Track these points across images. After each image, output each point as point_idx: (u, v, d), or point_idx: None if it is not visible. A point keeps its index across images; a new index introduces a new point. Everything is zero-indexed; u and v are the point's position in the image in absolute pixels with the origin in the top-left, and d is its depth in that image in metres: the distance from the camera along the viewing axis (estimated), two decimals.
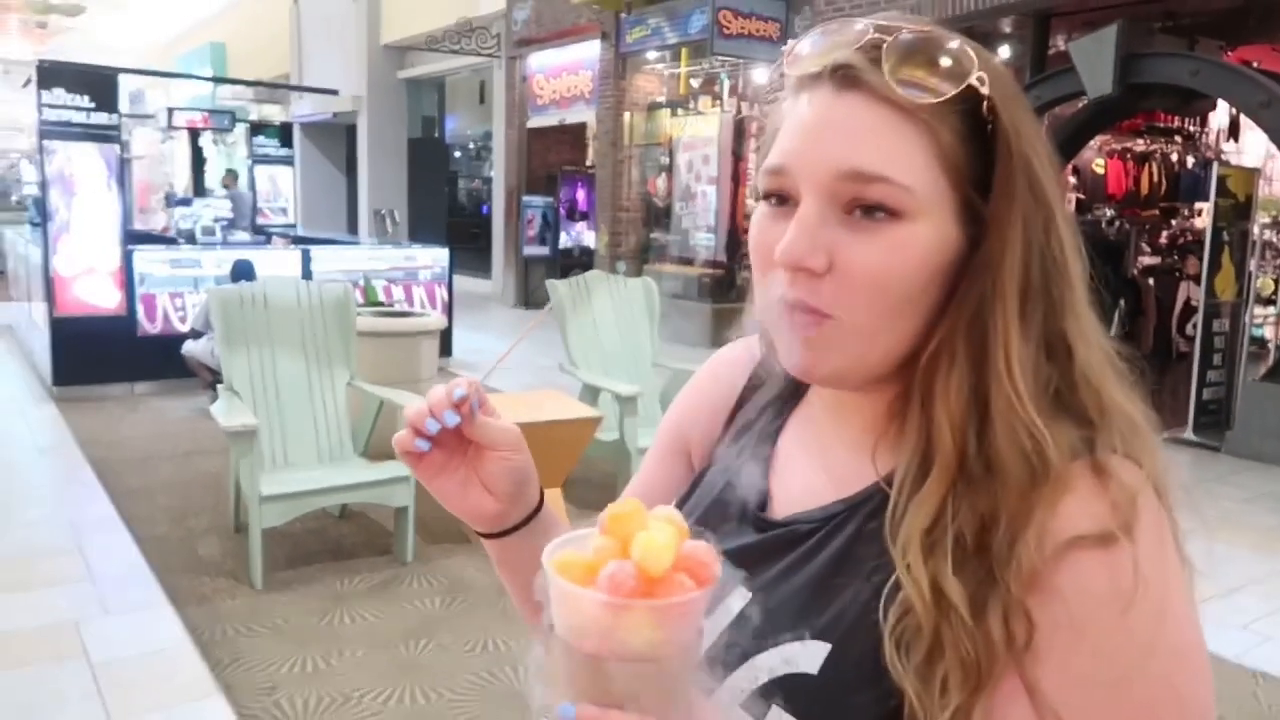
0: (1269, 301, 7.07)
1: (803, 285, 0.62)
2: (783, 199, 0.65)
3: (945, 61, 0.61)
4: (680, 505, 0.79)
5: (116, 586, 3.64)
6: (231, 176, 14.39)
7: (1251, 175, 6.62)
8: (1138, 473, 0.58)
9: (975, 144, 0.62)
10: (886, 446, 0.67)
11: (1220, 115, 9.27)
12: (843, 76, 0.62)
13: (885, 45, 0.61)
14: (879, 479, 0.66)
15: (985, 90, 0.62)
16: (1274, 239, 6.97)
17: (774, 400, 0.80)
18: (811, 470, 0.73)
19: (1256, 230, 6.55)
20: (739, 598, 0.68)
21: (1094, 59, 6.37)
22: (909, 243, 0.61)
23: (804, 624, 0.64)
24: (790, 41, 0.68)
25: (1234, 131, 9.27)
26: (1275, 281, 6.96)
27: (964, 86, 0.61)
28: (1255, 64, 7.55)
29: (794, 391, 0.79)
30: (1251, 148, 8.95)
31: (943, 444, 0.61)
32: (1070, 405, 0.61)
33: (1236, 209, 6.42)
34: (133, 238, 7.79)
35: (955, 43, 0.62)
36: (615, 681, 0.54)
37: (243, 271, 6.45)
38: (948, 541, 0.58)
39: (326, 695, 2.92)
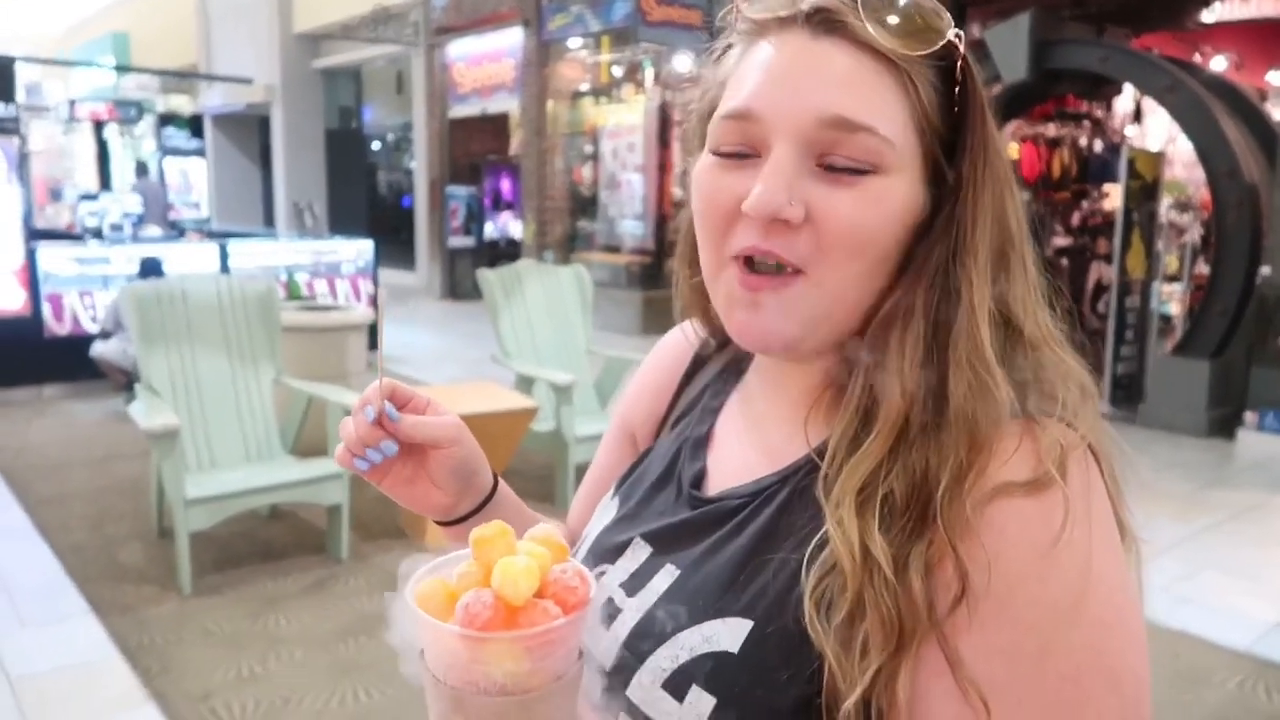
0: (1174, 279, 7.36)
1: (777, 238, 0.59)
2: (745, 151, 0.61)
3: (926, 14, 0.59)
4: (620, 484, 0.79)
5: (33, 598, 3.48)
6: (142, 169, 13.86)
7: (1158, 158, 6.88)
8: (1071, 433, 0.57)
9: (945, 105, 0.61)
10: (818, 418, 0.65)
11: (1125, 100, 9.62)
12: (821, 20, 0.59)
13: None
14: (810, 450, 0.64)
15: (961, 49, 0.60)
16: (1177, 219, 7.30)
17: (715, 379, 0.79)
18: (747, 446, 0.71)
19: (1162, 211, 6.81)
20: (665, 575, 0.67)
21: (1009, 46, 6.54)
22: (886, 197, 0.59)
23: (727, 600, 0.62)
24: None
25: (1138, 115, 9.62)
26: (1179, 260, 7.25)
27: (945, 42, 0.59)
28: (1156, 51, 7.85)
29: (735, 369, 0.78)
30: (1154, 131, 9.31)
31: (890, 401, 0.59)
32: (1010, 367, 0.60)
33: (1145, 190, 6.67)
34: (35, 235, 7.44)
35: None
36: (479, 716, 0.52)
37: (151, 269, 6.24)
38: (877, 499, 0.57)
39: (264, 699, 2.83)
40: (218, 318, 4.09)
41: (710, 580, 0.64)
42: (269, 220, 15.90)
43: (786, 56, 0.59)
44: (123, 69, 17.19)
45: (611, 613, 0.68)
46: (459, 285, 12.09)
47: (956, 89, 0.60)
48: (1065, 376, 0.61)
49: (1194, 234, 7.34)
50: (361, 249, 8.25)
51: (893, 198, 0.59)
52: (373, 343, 7.73)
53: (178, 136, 15.07)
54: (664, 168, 10.13)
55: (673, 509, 0.71)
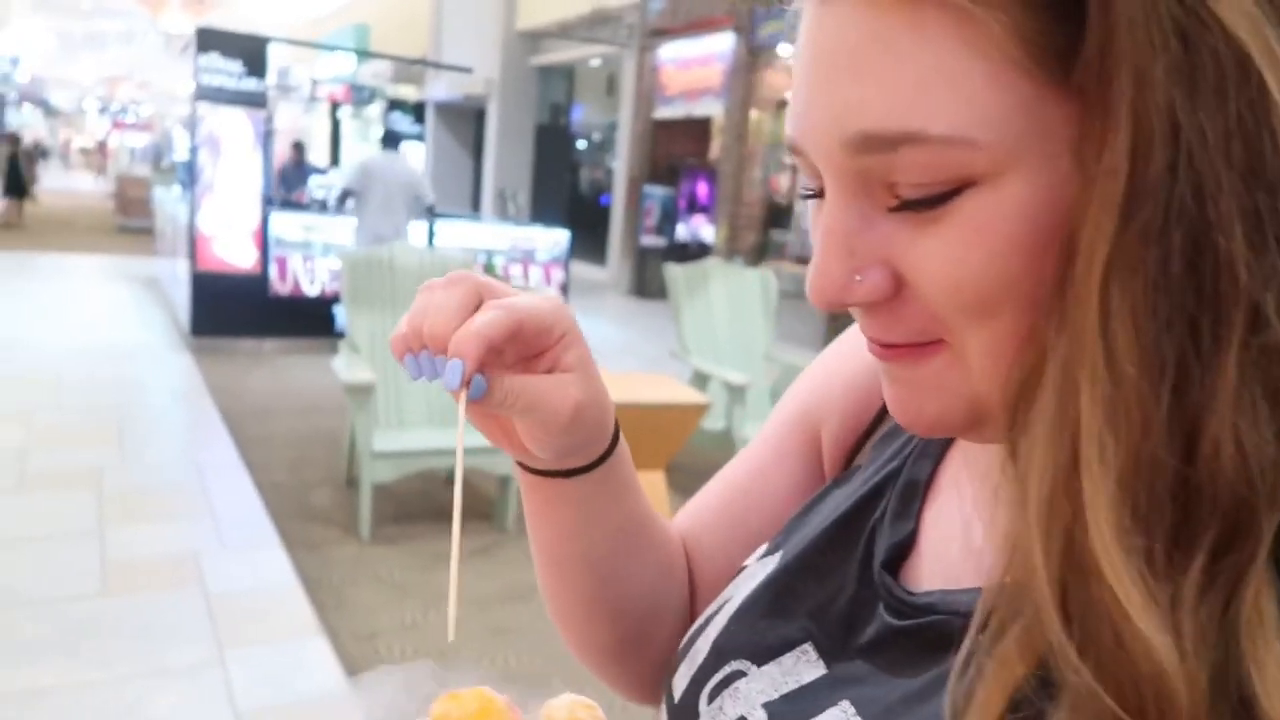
0: None
1: (874, 320, 0.40)
2: (819, 192, 0.41)
3: None
4: (788, 531, 0.55)
5: (235, 525, 3.81)
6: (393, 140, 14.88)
7: None
8: None
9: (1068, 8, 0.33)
10: None
11: None
12: None
13: None
14: None
15: None
16: None
17: None
18: (982, 517, 0.45)
19: None
20: (837, 717, 0.43)
21: None
22: (991, 220, 0.35)
23: None
24: None
25: None
26: None
27: None
28: None
29: None
30: None
31: (1026, 571, 0.33)
32: None
33: None
34: (269, 203, 8.16)
35: None
36: None
37: (392, 140, 6.97)
38: None
39: (423, 648, 2.98)
40: (419, 286, 4.34)
41: None
42: (475, 205, 16.73)
43: (804, 43, 0.39)
44: (362, 53, 18.56)
45: None
46: (648, 284, 12.28)
47: None
48: None
49: None
50: (558, 239, 8.55)
51: (1006, 215, 0.35)
52: None
53: (402, 121, 16.08)
54: None
55: (854, 597, 0.47)
